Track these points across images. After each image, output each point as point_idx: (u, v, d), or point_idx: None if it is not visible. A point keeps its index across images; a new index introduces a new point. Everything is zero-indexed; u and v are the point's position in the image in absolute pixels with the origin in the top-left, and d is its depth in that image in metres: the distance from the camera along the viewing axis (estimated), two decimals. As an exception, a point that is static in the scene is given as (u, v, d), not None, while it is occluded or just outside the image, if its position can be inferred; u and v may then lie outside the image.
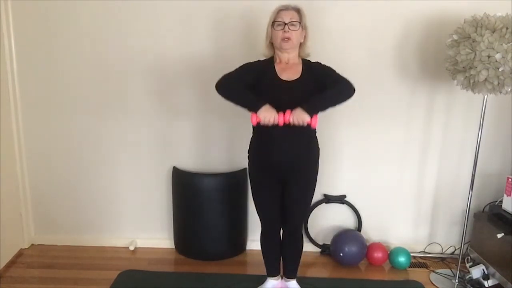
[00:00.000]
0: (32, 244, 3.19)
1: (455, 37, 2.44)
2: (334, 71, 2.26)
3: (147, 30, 2.86)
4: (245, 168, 2.97)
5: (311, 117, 2.09)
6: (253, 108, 2.12)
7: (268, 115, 2.08)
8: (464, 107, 2.94)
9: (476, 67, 2.31)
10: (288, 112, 2.10)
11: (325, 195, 3.09)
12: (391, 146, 3.02)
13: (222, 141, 3.02)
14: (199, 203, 2.95)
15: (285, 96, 2.19)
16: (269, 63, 2.29)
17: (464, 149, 3.00)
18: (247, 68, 2.28)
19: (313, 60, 2.31)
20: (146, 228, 3.19)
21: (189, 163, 3.06)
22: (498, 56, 2.25)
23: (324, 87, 2.18)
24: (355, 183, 3.09)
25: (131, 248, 3.15)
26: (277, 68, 2.26)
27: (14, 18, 2.85)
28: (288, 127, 2.12)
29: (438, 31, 2.80)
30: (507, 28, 2.27)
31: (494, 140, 2.99)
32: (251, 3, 2.78)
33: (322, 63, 2.30)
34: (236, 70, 2.27)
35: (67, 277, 2.80)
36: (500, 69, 2.26)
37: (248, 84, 2.20)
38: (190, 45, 2.88)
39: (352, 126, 2.97)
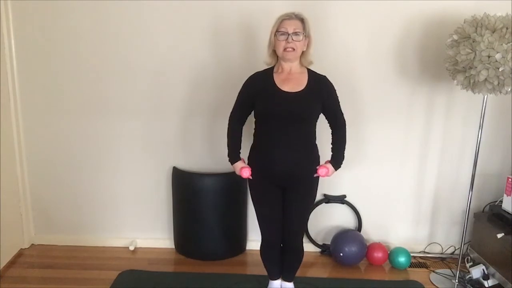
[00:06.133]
0: (32, 244, 3.19)
1: (455, 37, 2.44)
2: (339, 105, 2.32)
3: (146, 31, 2.85)
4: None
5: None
6: (228, 159, 2.39)
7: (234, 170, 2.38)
8: (464, 107, 2.94)
9: (476, 67, 2.31)
10: (322, 168, 2.31)
11: (325, 195, 3.09)
12: (391, 146, 3.02)
13: (222, 141, 3.00)
14: (199, 203, 2.95)
15: (288, 107, 2.16)
16: (268, 75, 2.25)
17: (464, 149, 3.00)
18: (243, 97, 2.31)
19: (313, 67, 2.29)
20: (146, 228, 3.19)
21: (189, 163, 3.07)
22: (498, 56, 2.25)
23: (324, 109, 2.27)
24: (355, 183, 3.09)
25: (131, 248, 3.15)
26: (277, 79, 2.22)
27: (14, 18, 2.85)
28: (289, 133, 2.20)
29: (438, 31, 2.80)
30: (507, 28, 2.27)
31: (494, 140, 2.99)
32: (250, 6, 2.78)
33: (330, 80, 2.29)
34: (236, 104, 2.36)
35: (67, 277, 2.80)
36: (500, 69, 2.26)
37: (250, 107, 2.30)
38: (190, 45, 2.88)
39: (352, 126, 2.94)
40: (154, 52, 2.89)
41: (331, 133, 2.37)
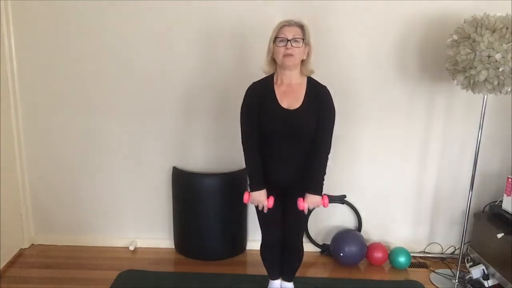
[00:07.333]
0: (32, 244, 3.19)
1: (455, 37, 2.44)
2: (331, 126, 2.18)
3: (146, 31, 2.85)
4: (245, 168, 2.97)
5: (322, 197, 2.22)
6: (251, 187, 2.24)
7: (257, 200, 2.23)
8: (464, 107, 2.94)
9: (476, 67, 2.31)
10: (300, 200, 2.19)
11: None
12: (391, 146, 3.02)
13: (222, 141, 3.02)
14: (199, 203, 2.95)
15: (287, 126, 2.13)
16: (268, 86, 2.18)
17: (464, 149, 3.00)
18: (250, 113, 2.18)
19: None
20: (146, 228, 3.19)
21: (189, 163, 3.07)
22: (498, 56, 2.25)
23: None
24: (355, 183, 3.09)
25: (131, 248, 3.15)
26: (278, 92, 2.16)
27: (14, 18, 2.85)
28: (288, 147, 2.17)
29: (438, 31, 2.80)
30: (507, 28, 2.27)
31: (494, 140, 2.99)
32: (251, 6, 2.79)
33: (330, 92, 2.18)
34: (244, 127, 2.21)
35: (67, 277, 2.80)
36: (500, 69, 2.26)
37: (257, 118, 2.17)
38: (190, 45, 2.88)
39: (352, 126, 2.97)
40: (154, 51, 2.89)
41: (311, 154, 2.19)
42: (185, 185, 2.99)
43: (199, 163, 3.07)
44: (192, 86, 2.95)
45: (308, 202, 2.19)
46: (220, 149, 3.04)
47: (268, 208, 2.24)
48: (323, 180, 2.23)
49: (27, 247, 3.15)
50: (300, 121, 2.14)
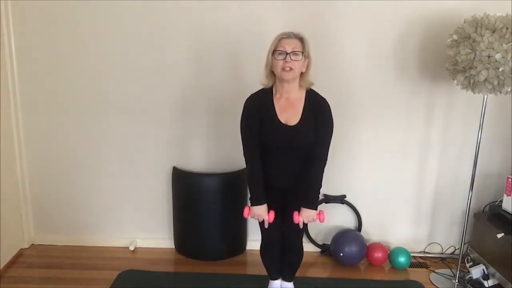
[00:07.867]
0: (32, 244, 3.19)
1: (455, 37, 2.44)
2: (327, 138, 2.17)
3: (146, 30, 2.85)
4: (245, 168, 2.97)
5: (318, 213, 2.22)
6: (251, 201, 2.24)
7: (258, 214, 2.22)
8: (464, 107, 2.94)
9: (476, 67, 2.31)
10: (296, 214, 2.20)
11: (325, 195, 3.09)
12: (391, 146, 3.02)
13: (222, 141, 3.02)
14: (199, 203, 2.95)
15: (285, 140, 2.12)
16: (267, 99, 2.16)
17: (464, 149, 3.00)
18: (251, 127, 2.17)
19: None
20: (146, 228, 3.19)
21: (189, 163, 3.07)
22: (498, 56, 2.25)
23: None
24: (355, 183, 3.09)
25: (131, 248, 3.15)
26: (277, 106, 2.14)
27: (14, 18, 2.85)
28: (287, 157, 2.18)
29: (438, 31, 2.80)
30: (507, 28, 2.27)
31: (494, 140, 2.99)
32: (253, 6, 2.79)
33: (329, 106, 2.16)
34: (245, 141, 2.20)
35: (67, 277, 2.80)
36: (500, 69, 2.26)
37: (258, 130, 2.16)
38: (190, 45, 2.88)
39: (351, 126, 2.97)
40: (154, 51, 2.89)
41: (308, 165, 2.19)
42: (185, 185, 2.99)
43: (199, 163, 3.07)
44: (192, 86, 2.95)
45: (303, 216, 2.19)
46: (220, 149, 3.04)
47: (269, 223, 2.23)
48: (319, 194, 2.24)
49: (27, 247, 3.15)
50: (298, 136, 2.13)
